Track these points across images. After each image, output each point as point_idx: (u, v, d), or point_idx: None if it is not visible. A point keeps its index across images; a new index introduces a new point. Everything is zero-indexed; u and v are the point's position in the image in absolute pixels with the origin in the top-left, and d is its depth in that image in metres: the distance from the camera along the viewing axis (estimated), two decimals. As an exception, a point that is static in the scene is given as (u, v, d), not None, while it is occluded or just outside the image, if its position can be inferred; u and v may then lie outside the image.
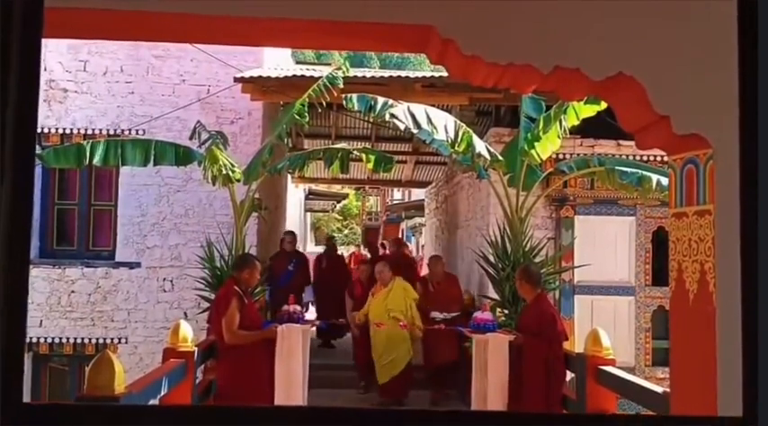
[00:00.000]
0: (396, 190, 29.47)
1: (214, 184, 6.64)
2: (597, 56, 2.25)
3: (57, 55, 8.65)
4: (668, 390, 3.16)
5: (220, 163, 6.32)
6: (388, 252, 14.10)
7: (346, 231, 40.31)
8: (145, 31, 2.53)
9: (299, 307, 5.56)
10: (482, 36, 2.25)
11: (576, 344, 6.51)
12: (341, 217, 42.77)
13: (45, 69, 8.55)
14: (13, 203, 1.16)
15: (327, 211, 34.31)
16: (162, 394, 4.07)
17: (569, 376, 5.53)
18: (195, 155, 6.59)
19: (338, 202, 31.36)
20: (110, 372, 3.11)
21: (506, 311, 6.30)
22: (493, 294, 6.78)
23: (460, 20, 2.24)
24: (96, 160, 6.19)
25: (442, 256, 8.92)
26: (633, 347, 7.72)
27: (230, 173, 6.43)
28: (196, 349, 4.84)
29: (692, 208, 2.35)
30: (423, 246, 19.75)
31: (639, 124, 2.47)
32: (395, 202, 31.02)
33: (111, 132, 8.68)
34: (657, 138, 2.46)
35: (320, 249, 16.74)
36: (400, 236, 19.31)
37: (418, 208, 21.51)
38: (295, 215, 20.59)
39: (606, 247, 7.62)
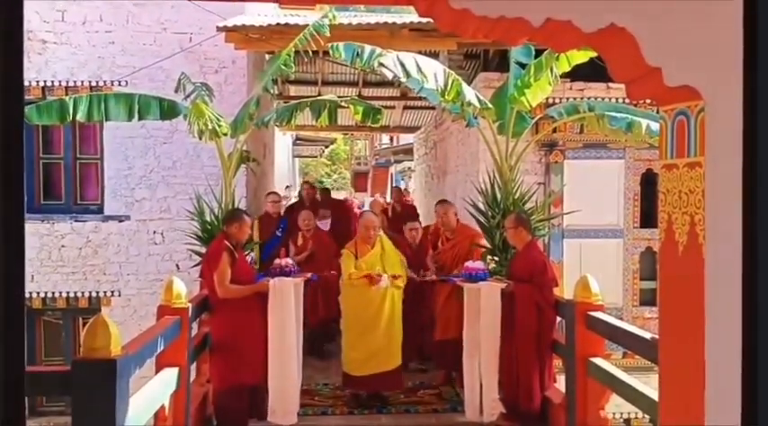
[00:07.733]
0: (384, 133, 29.25)
1: (201, 139, 6.54)
2: (589, 7, 2.21)
3: (34, 4, 8.37)
4: (656, 336, 3.22)
5: (206, 117, 6.19)
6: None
7: (335, 176, 40.18)
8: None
9: (290, 260, 5.57)
10: (472, -12, 2.19)
11: (565, 287, 6.60)
12: (329, 162, 42.59)
13: (22, 20, 8.29)
14: (4, 155, 1.14)
15: (316, 156, 34.08)
16: (158, 351, 4.10)
17: (559, 320, 5.63)
18: (180, 108, 6.46)
19: (326, 147, 31.13)
20: (105, 335, 3.12)
21: (497, 258, 6.33)
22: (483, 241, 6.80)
23: (449, -29, 2.17)
24: (80, 116, 6.07)
25: (452, 202, 7.28)
26: (621, 288, 7.84)
27: (216, 127, 6.32)
28: (190, 305, 4.86)
29: (683, 160, 2.34)
30: (413, 191, 19.71)
31: (631, 75, 2.44)
32: (383, 146, 30.82)
33: (93, 84, 8.51)
34: (649, 89, 2.44)
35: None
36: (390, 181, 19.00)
37: (407, 151, 21.40)
38: (283, 162, 20.45)
39: (595, 191, 7.64)
